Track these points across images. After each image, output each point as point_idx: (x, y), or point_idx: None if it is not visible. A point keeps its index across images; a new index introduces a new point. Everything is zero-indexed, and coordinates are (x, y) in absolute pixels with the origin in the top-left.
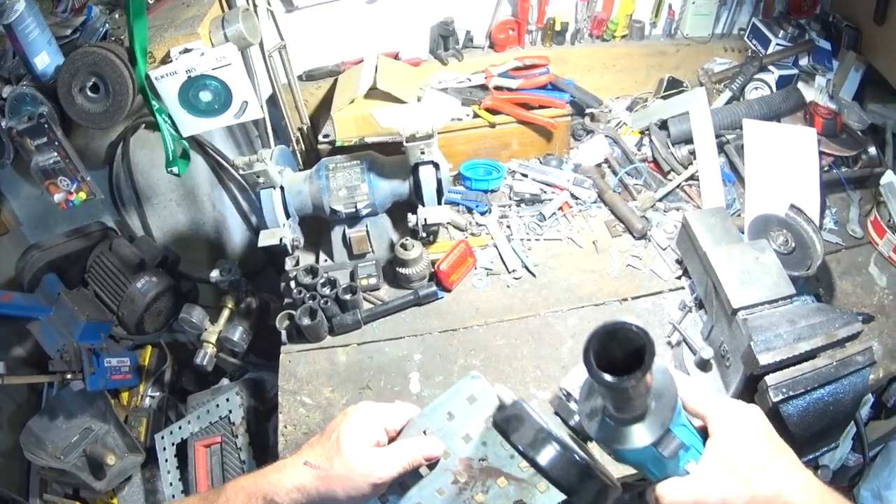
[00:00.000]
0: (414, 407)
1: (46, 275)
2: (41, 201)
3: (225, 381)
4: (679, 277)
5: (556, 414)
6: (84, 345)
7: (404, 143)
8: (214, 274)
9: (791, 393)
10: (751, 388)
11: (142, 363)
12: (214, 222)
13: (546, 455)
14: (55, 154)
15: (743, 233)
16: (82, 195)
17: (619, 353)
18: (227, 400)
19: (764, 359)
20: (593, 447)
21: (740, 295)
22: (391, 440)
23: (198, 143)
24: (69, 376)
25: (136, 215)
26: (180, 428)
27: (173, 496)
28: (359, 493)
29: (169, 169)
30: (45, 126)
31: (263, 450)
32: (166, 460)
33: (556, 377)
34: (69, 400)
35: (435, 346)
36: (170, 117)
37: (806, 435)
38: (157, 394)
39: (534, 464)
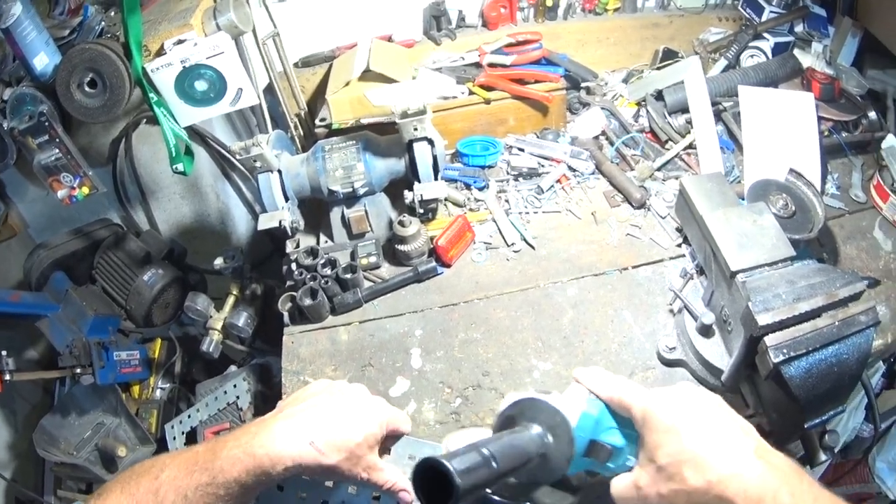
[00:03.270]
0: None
1: (54, 273)
2: (47, 203)
3: (233, 368)
4: (679, 245)
5: None
6: (93, 339)
7: (397, 121)
8: (218, 261)
9: (792, 353)
10: (752, 352)
11: (152, 356)
12: (219, 213)
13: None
14: (57, 151)
15: (742, 199)
16: (85, 190)
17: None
18: (235, 386)
19: (763, 319)
20: None
21: (739, 258)
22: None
23: (198, 135)
24: (79, 370)
25: (142, 210)
26: (189, 416)
27: None
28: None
29: (174, 167)
30: (46, 124)
31: None
32: (176, 449)
33: (557, 347)
34: (80, 396)
35: (436, 321)
36: (168, 110)
37: (810, 398)
38: (168, 385)
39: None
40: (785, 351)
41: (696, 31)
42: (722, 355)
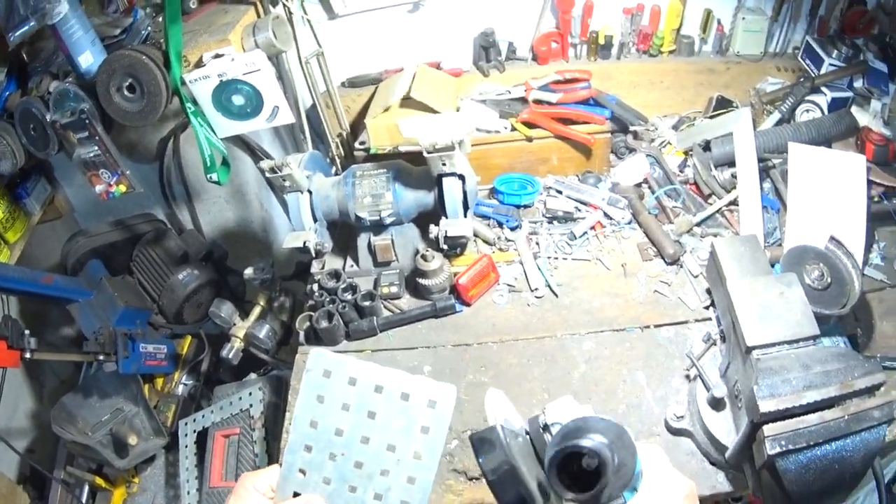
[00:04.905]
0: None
1: (91, 260)
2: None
3: (253, 376)
4: (707, 308)
5: (529, 437)
6: (121, 329)
7: (425, 154)
8: (248, 271)
9: (790, 447)
10: (753, 437)
11: (180, 352)
12: (262, 221)
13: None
14: (96, 148)
15: (778, 264)
16: (122, 188)
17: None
18: (250, 394)
19: (765, 406)
20: None
21: (757, 332)
22: None
23: (245, 144)
24: (101, 358)
25: (186, 209)
26: (203, 416)
27: (188, 481)
28: None
29: (208, 176)
30: (86, 121)
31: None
32: (186, 446)
33: None
34: (104, 380)
35: (447, 359)
36: (206, 120)
37: (804, 493)
38: (192, 382)
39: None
40: (783, 443)
41: (753, 80)
42: (729, 431)
